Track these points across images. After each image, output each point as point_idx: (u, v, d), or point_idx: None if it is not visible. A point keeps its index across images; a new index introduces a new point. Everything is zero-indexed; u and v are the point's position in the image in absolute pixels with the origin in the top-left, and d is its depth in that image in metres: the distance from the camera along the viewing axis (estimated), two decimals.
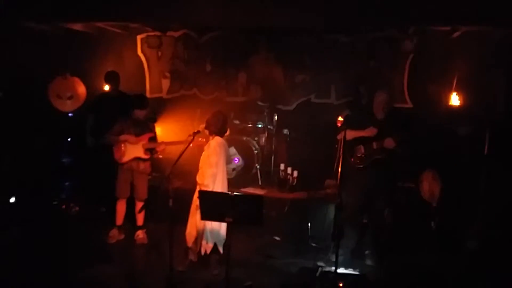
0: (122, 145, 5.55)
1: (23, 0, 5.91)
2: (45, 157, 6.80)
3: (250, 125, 7.16)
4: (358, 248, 5.37)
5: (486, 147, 5.54)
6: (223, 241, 4.74)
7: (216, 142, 4.76)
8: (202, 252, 4.74)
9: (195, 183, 4.83)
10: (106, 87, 6.58)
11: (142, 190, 5.65)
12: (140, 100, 5.69)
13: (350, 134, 4.92)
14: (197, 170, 4.86)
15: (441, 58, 6.53)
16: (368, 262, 5.28)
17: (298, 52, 7.44)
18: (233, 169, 5.35)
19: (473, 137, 5.83)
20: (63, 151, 6.93)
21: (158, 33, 7.74)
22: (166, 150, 5.71)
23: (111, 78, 6.45)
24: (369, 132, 5.12)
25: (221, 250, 4.76)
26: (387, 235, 5.39)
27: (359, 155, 5.20)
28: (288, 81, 7.55)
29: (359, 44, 7.18)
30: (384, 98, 5.19)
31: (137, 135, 5.56)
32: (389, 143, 4.99)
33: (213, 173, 4.66)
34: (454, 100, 6.33)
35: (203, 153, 4.83)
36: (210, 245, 4.71)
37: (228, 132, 5.00)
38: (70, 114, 6.87)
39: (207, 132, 4.85)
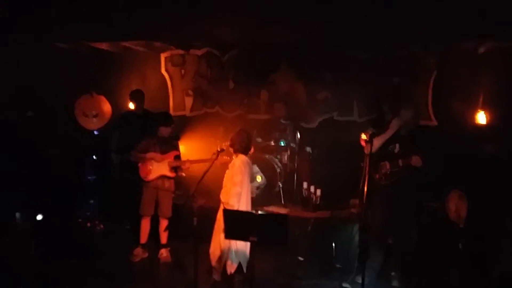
0: (148, 163, 5.59)
1: (51, 20, 6.05)
2: (71, 175, 6.89)
3: (272, 143, 7.13)
4: (384, 270, 5.26)
5: None
6: (247, 260, 4.70)
7: (240, 160, 4.76)
8: (228, 272, 4.70)
9: (219, 201, 4.83)
10: (131, 105, 6.68)
11: (167, 208, 5.67)
12: (165, 117, 5.75)
13: (377, 142, 4.88)
14: (221, 188, 4.86)
15: (467, 75, 6.43)
16: (394, 283, 5.17)
17: (320, 69, 7.44)
18: (257, 188, 5.34)
19: (501, 155, 5.70)
20: (88, 168, 7.01)
21: (181, 52, 7.84)
22: (190, 168, 5.72)
23: (136, 96, 6.54)
24: (393, 127, 5.05)
25: (245, 269, 4.72)
26: (413, 256, 5.26)
27: (384, 171, 5.12)
28: (310, 98, 7.55)
29: (381, 60, 7.15)
30: (409, 116, 5.12)
31: (163, 153, 5.61)
32: (416, 161, 4.89)
33: (238, 192, 4.65)
34: (481, 118, 6.23)
35: (227, 171, 4.83)
36: (235, 265, 4.67)
37: (252, 150, 4.99)
38: (95, 132, 6.97)
39: (231, 150, 4.85)
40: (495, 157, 5.82)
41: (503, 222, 5.51)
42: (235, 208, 4.59)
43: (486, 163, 5.88)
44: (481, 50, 6.19)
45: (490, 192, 5.68)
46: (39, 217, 6.50)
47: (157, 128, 5.62)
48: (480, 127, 6.21)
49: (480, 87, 6.32)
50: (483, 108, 6.24)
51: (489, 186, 5.72)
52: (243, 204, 4.69)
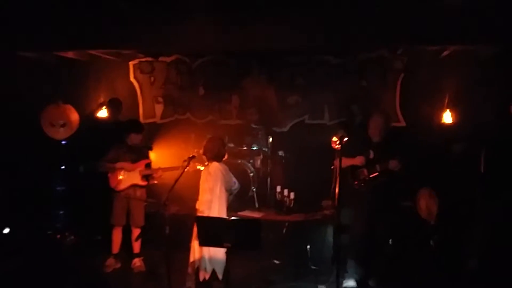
0: (119, 172, 5.50)
1: (15, 29, 5.91)
2: (39, 186, 6.72)
3: (245, 148, 7.12)
4: (360, 270, 5.29)
5: (482, 165, 5.54)
6: (222, 267, 4.66)
7: (212, 168, 4.73)
8: (201, 278, 4.66)
9: (193, 209, 4.79)
10: (104, 114, 6.56)
11: (138, 217, 5.58)
12: (135, 124, 5.68)
13: (343, 162, 4.91)
14: (193, 195, 4.82)
15: (432, 77, 6.62)
16: (371, 283, 5.20)
17: (290, 74, 7.51)
18: (230, 194, 5.31)
19: (468, 154, 5.85)
20: (57, 179, 6.84)
21: (150, 59, 7.77)
22: (162, 176, 5.66)
23: (114, 104, 6.42)
24: (358, 160, 5.09)
25: (220, 276, 4.68)
26: (390, 257, 5.32)
27: (362, 177, 5.14)
28: (281, 102, 7.59)
29: (350, 64, 7.27)
30: (380, 121, 5.15)
31: (133, 161, 5.53)
32: (394, 164, 4.91)
33: (208, 199, 4.62)
34: (447, 117, 6.41)
35: (201, 179, 4.79)
36: (209, 271, 4.63)
37: (226, 157, 4.97)
38: (63, 142, 6.81)
39: (204, 157, 4.82)
40: (462, 154, 5.99)
41: (472, 218, 5.64)
42: (205, 215, 4.56)
43: (454, 161, 6.05)
44: (445, 53, 6.36)
45: (458, 189, 5.83)
46: (6, 230, 6.29)
47: (127, 136, 5.54)
48: (447, 126, 6.38)
49: (445, 88, 6.51)
50: (449, 108, 6.42)
51: (457, 183, 5.87)
52: (214, 211, 4.64)
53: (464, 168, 5.89)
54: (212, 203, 4.64)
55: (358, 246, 5.08)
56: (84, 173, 6.41)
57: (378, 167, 5.06)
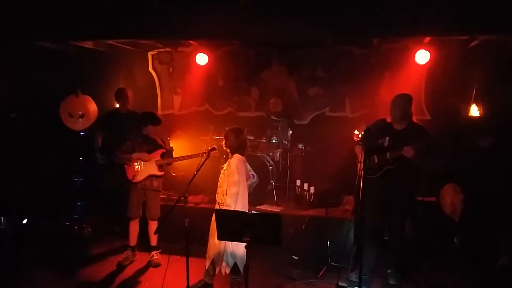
0: (136, 163, 5.43)
1: (34, 19, 5.89)
2: (57, 178, 6.71)
3: (264, 141, 7.01)
4: (380, 267, 5.15)
5: None
6: (241, 262, 4.55)
7: (236, 159, 4.60)
8: (223, 273, 4.57)
9: (212, 202, 4.69)
10: (116, 104, 6.52)
11: (155, 209, 5.49)
12: (152, 117, 5.54)
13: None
14: (213, 187, 4.72)
15: (459, 68, 6.40)
16: (391, 281, 5.06)
17: (311, 65, 7.39)
18: (249, 186, 5.20)
19: (496, 148, 5.64)
20: (75, 170, 6.82)
21: (169, 49, 7.69)
22: (179, 168, 5.57)
23: (120, 95, 6.36)
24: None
25: (238, 271, 4.58)
26: (409, 252, 5.15)
27: (372, 165, 4.93)
28: (302, 94, 7.48)
29: (373, 55, 7.07)
30: (399, 105, 4.92)
31: (149, 152, 5.45)
32: (408, 151, 4.66)
33: (235, 192, 4.51)
34: (474, 111, 6.19)
35: (223, 171, 4.68)
36: (230, 266, 4.54)
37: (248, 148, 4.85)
38: (81, 133, 6.78)
39: (227, 150, 4.70)
40: (490, 149, 5.77)
41: (499, 215, 5.44)
42: (232, 208, 4.46)
43: (481, 156, 5.84)
44: (473, 43, 6.12)
45: (484, 185, 5.62)
46: (25, 221, 6.31)
47: (145, 128, 5.45)
48: (474, 120, 6.16)
49: (472, 80, 6.29)
50: (475, 101, 6.20)
51: (483, 178, 5.66)
52: (240, 203, 4.54)
53: (492, 163, 5.68)
54: (239, 195, 4.53)
55: (371, 240, 4.91)
56: (101, 164, 6.36)
57: (388, 154, 4.85)
